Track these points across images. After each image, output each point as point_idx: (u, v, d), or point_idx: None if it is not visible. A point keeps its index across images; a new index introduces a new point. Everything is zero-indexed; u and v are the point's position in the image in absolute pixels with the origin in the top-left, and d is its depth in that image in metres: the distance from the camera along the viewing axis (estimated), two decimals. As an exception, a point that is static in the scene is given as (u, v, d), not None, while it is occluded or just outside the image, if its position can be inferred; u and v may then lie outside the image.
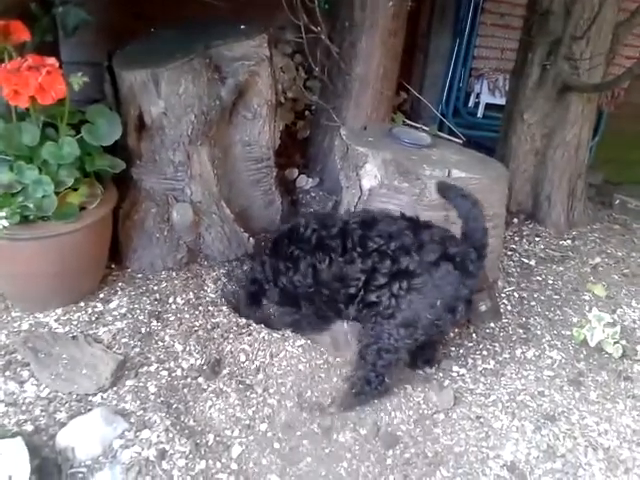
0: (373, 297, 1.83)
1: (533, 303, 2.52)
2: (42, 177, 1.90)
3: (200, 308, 2.21)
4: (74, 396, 1.77)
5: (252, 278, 2.16)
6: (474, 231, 1.83)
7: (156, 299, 2.22)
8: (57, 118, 1.96)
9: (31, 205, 1.88)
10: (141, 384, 1.85)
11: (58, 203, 1.91)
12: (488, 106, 4.04)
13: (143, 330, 2.06)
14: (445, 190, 1.92)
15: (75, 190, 2.00)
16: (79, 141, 1.96)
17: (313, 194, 3.07)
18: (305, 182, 3.11)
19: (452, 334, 2.24)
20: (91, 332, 2.01)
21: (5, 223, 1.83)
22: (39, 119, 1.94)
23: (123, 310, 2.14)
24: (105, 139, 2.04)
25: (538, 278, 2.71)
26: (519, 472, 1.72)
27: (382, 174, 2.09)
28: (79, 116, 2.04)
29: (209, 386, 1.88)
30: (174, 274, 2.38)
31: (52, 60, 1.86)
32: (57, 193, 1.92)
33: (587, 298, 2.59)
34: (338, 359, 2.04)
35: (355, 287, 1.86)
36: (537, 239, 3.05)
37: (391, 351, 1.80)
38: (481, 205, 1.85)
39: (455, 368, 2.10)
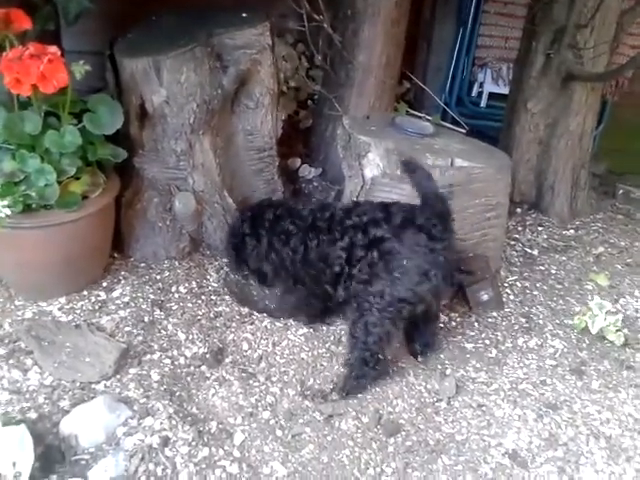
0: (355, 271, 1.88)
1: (536, 292, 2.52)
2: (44, 166, 1.90)
3: (203, 297, 2.22)
4: (77, 384, 1.78)
5: (236, 228, 2.18)
6: (426, 197, 1.88)
7: (159, 288, 2.23)
8: (59, 107, 1.95)
9: (34, 194, 1.89)
10: (144, 372, 1.86)
11: (60, 192, 1.92)
12: (491, 95, 4.00)
13: (146, 319, 2.07)
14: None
15: (77, 179, 2.00)
16: (81, 130, 1.96)
17: (315, 184, 3.06)
18: (307, 171, 3.11)
19: (454, 323, 2.25)
20: (94, 320, 2.02)
21: (8, 212, 1.82)
22: (41, 108, 1.93)
23: (126, 299, 2.15)
24: (107, 128, 2.04)
25: (541, 268, 2.70)
26: (521, 460, 1.72)
27: (385, 163, 2.09)
28: (81, 105, 2.03)
29: (212, 374, 1.89)
30: (177, 263, 2.39)
31: (54, 48, 1.85)
32: (59, 182, 1.93)
33: (590, 288, 2.58)
34: (340, 348, 2.04)
35: (339, 265, 1.91)
36: (540, 229, 3.04)
37: (377, 324, 1.82)
38: (426, 168, 1.93)
39: (456, 356, 2.10)
